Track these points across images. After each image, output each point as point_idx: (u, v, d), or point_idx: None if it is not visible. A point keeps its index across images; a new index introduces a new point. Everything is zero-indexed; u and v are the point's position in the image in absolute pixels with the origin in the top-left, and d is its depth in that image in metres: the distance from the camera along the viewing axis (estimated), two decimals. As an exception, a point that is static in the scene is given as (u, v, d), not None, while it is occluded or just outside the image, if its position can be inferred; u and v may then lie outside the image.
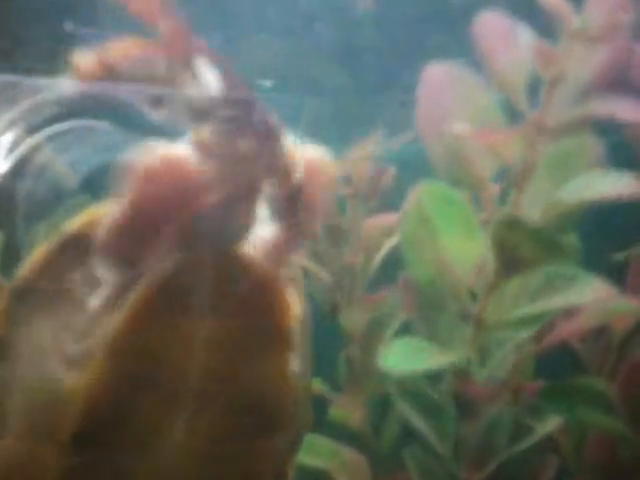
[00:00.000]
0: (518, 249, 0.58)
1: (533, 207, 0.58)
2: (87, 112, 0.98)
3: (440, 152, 0.59)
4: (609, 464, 0.71)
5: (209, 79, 0.37)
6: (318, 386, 0.76)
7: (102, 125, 1.00)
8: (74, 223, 0.45)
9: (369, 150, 0.76)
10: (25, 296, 0.45)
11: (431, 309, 0.69)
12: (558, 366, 0.75)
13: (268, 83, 1.09)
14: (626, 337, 0.74)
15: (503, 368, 0.70)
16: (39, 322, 0.44)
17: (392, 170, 0.77)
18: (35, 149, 0.92)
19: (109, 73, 0.40)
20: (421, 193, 0.61)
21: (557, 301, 0.61)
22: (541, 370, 0.74)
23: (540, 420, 0.72)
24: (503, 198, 0.61)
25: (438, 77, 0.59)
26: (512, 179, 0.58)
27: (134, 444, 0.42)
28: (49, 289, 0.45)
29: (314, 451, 0.74)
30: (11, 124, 0.91)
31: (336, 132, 0.98)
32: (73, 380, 0.42)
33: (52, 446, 0.43)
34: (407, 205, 0.61)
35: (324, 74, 1.06)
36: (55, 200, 0.92)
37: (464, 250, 0.62)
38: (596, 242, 0.67)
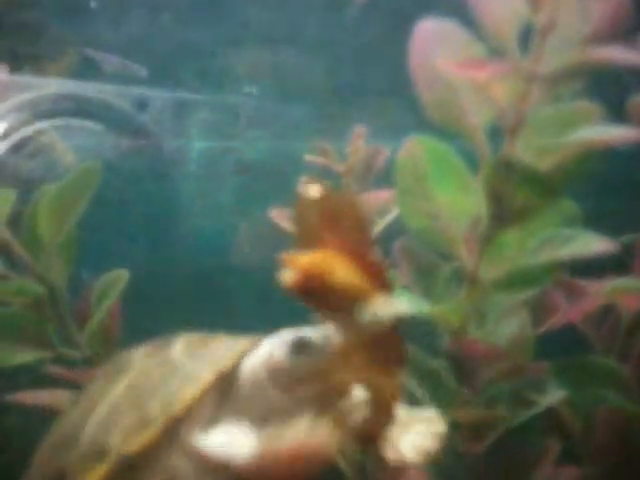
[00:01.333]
0: (512, 194, 0.56)
1: (527, 156, 0.56)
2: (80, 112, 0.98)
3: (434, 102, 0.57)
4: (620, 446, 0.68)
5: None
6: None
7: (90, 125, 1.00)
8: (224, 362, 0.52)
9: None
10: (135, 461, 0.49)
11: (426, 267, 0.67)
12: (564, 347, 0.73)
13: (254, 90, 1.10)
14: (636, 318, 0.72)
15: (502, 337, 0.68)
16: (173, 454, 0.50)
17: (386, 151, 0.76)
18: (39, 132, 0.92)
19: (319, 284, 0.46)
20: (414, 146, 0.59)
21: (554, 254, 0.59)
22: (546, 351, 0.72)
23: (542, 394, 0.69)
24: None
25: (429, 30, 0.58)
26: (505, 126, 0.56)
27: None
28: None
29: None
30: (14, 110, 0.91)
31: (319, 134, 0.98)
32: None
33: None
34: (401, 158, 0.59)
35: (310, 79, 1.06)
36: (54, 174, 0.92)
37: (458, 204, 0.60)
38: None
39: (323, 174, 0.76)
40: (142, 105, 1.01)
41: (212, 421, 0.51)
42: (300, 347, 0.51)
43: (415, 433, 0.53)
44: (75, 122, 0.97)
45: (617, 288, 0.61)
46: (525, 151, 0.56)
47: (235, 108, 1.05)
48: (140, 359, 0.56)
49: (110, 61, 1.05)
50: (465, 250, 0.60)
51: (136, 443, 0.49)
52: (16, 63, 0.94)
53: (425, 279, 0.67)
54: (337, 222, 0.46)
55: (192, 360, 0.53)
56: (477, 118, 0.56)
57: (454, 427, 0.69)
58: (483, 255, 0.61)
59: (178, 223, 1.04)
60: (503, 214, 0.58)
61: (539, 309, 0.72)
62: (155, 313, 0.97)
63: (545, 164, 0.56)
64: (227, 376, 0.52)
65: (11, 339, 0.75)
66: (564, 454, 0.71)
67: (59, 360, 0.77)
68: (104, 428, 0.51)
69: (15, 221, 0.77)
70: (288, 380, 0.51)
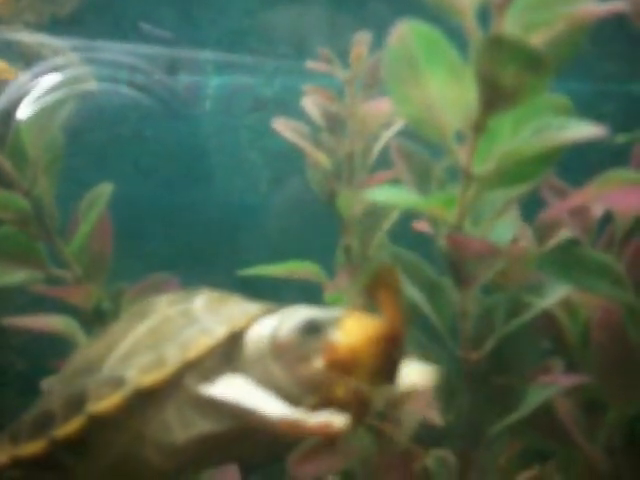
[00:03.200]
0: (503, 72, 0.54)
1: (517, 32, 0.55)
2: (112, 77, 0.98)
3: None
4: (617, 347, 0.66)
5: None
6: (314, 271, 0.73)
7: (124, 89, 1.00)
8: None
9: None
10: (147, 396, 0.55)
11: (422, 167, 0.66)
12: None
13: (288, 50, 1.09)
14: (630, 228, 0.70)
15: (502, 238, 0.66)
16: (150, 415, 0.55)
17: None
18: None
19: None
20: (405, 31, 0.57)
21: (547, 141, 0.57)
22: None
23: (540, 297, 0.67)
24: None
25: None
26: (493, 2, 0.55)
27: None
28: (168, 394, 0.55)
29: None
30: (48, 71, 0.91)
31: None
32: (158, 462, 0.56)
33: None
34: (391, 43, 0.58)
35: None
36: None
37: (450, 90, 0.58)
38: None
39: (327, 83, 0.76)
40: (174, 68, 1.02)
41: (216, 374, 0.55)
42: (311, 328, 0.53)
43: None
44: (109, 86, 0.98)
45: (610, 178, 0.58)
46: (514, 27, 0.54)
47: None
48: (163, 307, 0.60)
49: (143, 27, 1.05)
50: (458, 141, 0.59)
51: (151, 379, 0.54)
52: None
53: (421, 179, 0.66)
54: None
55: (210, 315, 0.57)
56: (465, -2, 0.55)
57: (452, 335, 0.68)
58: (475, 145, 0.60)
59: (197, 161, 1.04)
60: (495, 97, 0.57)
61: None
62: (171, 247, 0.98)
63: (535, 40, 0.54)
64: (237, 336, 0.56)
65: (0, 259, 0.75)
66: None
67: (50, 281, 0.78)
68: (124, 362, 0.56)
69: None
70: (291, 358, 0.54)
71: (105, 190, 0.77)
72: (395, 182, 0.70)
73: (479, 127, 0.58)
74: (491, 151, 0.60)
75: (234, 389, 0.54)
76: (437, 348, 0.69)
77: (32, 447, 0.58)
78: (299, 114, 0.78)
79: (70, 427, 0.56)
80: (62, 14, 0.98)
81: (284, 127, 0.73)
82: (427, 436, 0.69)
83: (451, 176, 0.65)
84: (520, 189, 0.62)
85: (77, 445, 0.57)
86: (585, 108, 0.60)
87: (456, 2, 0.55)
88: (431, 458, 0.69)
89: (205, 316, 0.57)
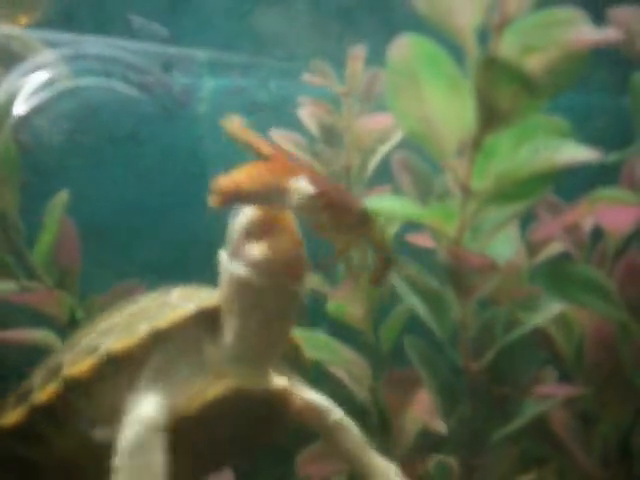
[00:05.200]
0: (498, 93, 0.55)
1: (514, 55, 0.56)
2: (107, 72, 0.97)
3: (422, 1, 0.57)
4: (609, 360, 0.67)
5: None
6: (319, 283, 0.75)
7: (118, 85, 1.00)
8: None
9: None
10: (118, 363, 0.58)
11: (423, 180, 0.66)
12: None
13: (283, 52, 1.09)
14: (622, 245, 0.71)
15: (502, 254, 0.67)
16: (120, 385, 0.58)
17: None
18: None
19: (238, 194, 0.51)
20: (406, 47, 0.58)
21: (544, 163, 0.58)
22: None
23: (535, 313, 0.68)
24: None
25: None
26: (491, 24, 0.56)
27: None
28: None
29: (315, 345, 0.73)
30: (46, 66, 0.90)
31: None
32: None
33: None
34: (392, 57, 0.58)
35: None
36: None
37: (449, 106, 0.58)
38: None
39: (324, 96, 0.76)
40: (168, 66, 1.02)
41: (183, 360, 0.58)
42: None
43: None
44: (102, 81, 0.97)
45: (599, 197, 0.59)
46: (512, 49, 0.55)
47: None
48: (143, 301, 0.64)
49: (135, 20, 1.05)
50: (457, 157, 0.60)
51: (120, 345, 0.58)
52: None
53: (423, 192, 0.67)
54: None
55: (183, 301, 0.61)
56: (466, 17, 0.55)
57: (453, 346, 0.69)
58: (474, 162, 0.60)
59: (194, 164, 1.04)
60: (491, 116, 0.57)
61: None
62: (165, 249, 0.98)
63: (531, 64, 0.55)
64: (211, 316, 0.59)
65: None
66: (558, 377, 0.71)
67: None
68: (99, 337, 0.60)
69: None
70: (242, 251, 0.56)
71: (62, 198, 0.77)
72: (394, 194, 0.71)
73: (477, 144, 0.59)
74: (489, 168, 0.60)
75: (134, 426, 0.56)
76: (439, 357, 0.70)
77: (13, 416, 0.61)
78: (293, 118, 0.79)
79: (47, 392, 0.59)
80: (31, 23, 0.98)
81: (280, 138, 0.73)
82: (429, 443, 0.71)
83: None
84: (518, 207, 0.63)
85: (55, 412, 0.60)
86: (579, 120, 0.61)
87: (456, 22, 0.56)
88: (432, 463, 0.70)
89: (179, 302, 0.61)
